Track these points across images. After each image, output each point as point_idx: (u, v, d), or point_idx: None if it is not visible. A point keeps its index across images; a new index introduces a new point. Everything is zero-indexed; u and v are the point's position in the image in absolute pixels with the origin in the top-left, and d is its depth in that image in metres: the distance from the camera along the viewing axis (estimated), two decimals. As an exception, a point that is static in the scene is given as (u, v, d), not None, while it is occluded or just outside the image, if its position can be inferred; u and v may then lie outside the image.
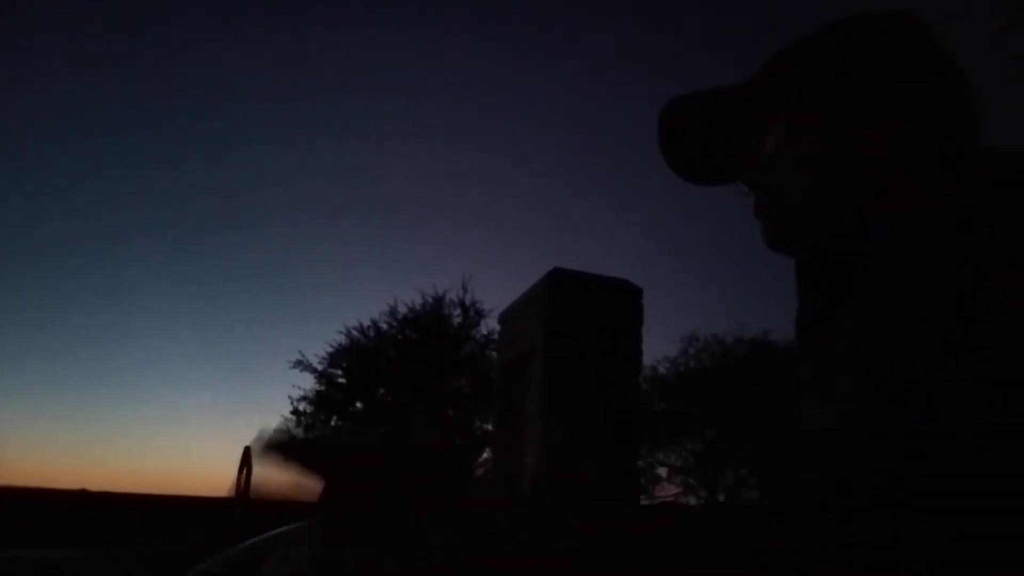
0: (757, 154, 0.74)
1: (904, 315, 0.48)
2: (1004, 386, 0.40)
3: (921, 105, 0.66)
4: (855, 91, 0.68)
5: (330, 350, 16.57)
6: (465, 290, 17.02)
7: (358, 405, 16.65)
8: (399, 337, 16.68)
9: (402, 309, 16.76)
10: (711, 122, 0.79)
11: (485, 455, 16.02)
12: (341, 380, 16.61)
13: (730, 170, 0.79)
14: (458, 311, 16.90)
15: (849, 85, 0.68)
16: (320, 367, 16.50)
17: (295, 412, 16.26)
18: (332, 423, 16.44)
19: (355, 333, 16.63)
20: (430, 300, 16.81)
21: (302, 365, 16.39)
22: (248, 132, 31.06)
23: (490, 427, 14.15)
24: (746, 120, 0.75)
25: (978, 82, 0.69)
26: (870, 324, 0.51)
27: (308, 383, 16.86)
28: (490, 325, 16.20)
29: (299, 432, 16.20)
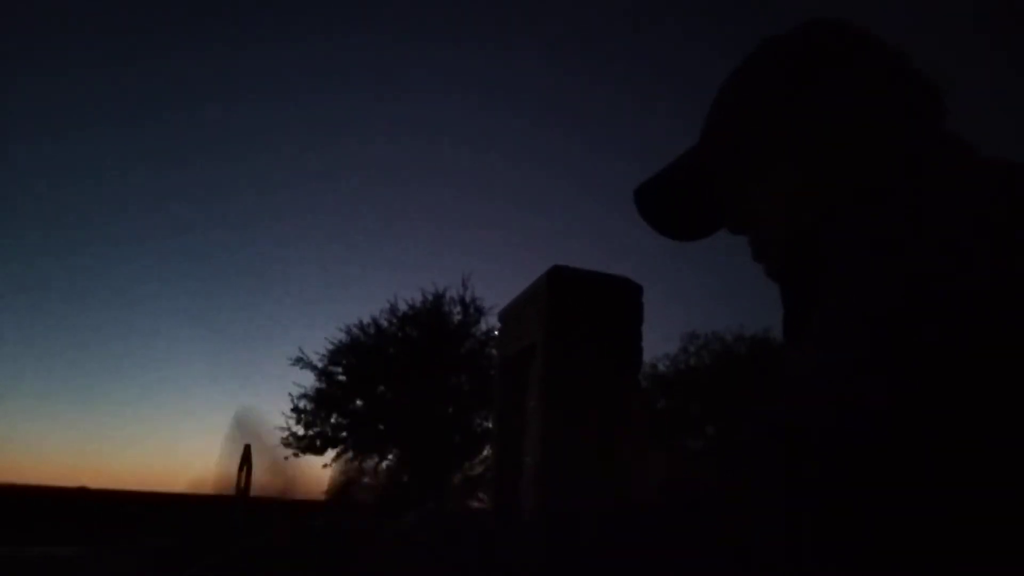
0: (736, 205, 0.75)
1: (843, 316, 0.49)
2: (922, 386, 0.41)
3: (872, 111, 0.65)
4: (803, 118, 0.67)
5: (330, 347, 16.59)
6: (465, 287, 17.02)
7: (358, 403, 16.67)
8: (399, 335, 16.69)
9: (402, 306, 16.79)
10: (683, 193, 0.80)
11: (485, 452, 16.05)
12: (341, 378, 16.62)
13: (718, 221, 0.80)
14: (458, 308, 16.93)
15: (795, 113, 0.68)
16: (320, 364, 16.51)
17: (295, 410, 16.27)
18: (332, 420, 16.46)
19: (355, 330, 16.65)
20: (430, 297, 16.84)
21: (302, 363, 16.40)
22: (248, 131, 31.06)
23: (490, 424, 14.18)
24: (714, 180, 0.76)
25: (931, 67, 0.67)
26: (817, 326, 0.53)
27: (308, 380, 16.88)
28: (490, 322, 16.23)
29: (299, 429, 16.25)
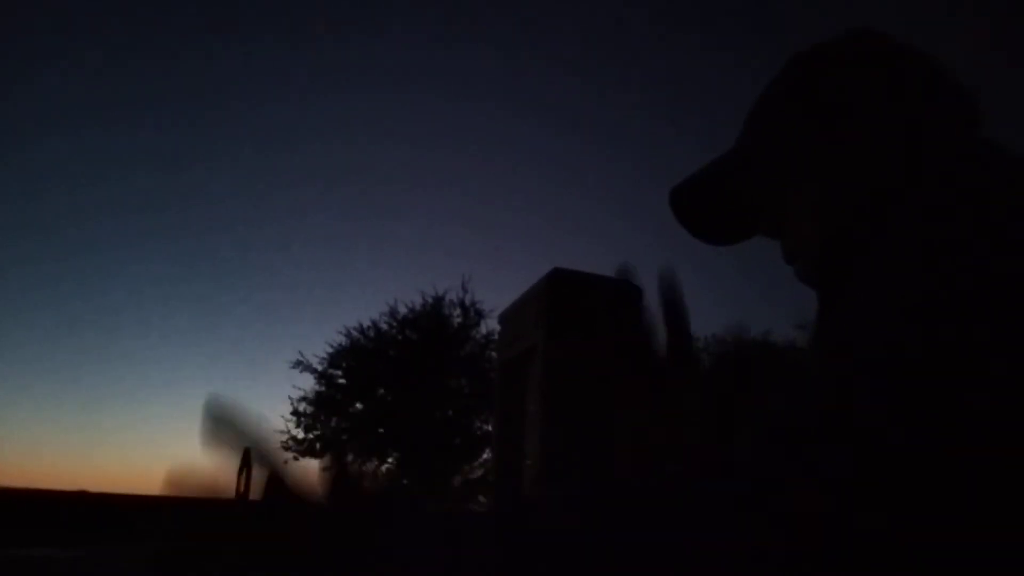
0: (770, 208, 0.75)
1: (862, 317, 0.49)
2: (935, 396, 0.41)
3: (906, 118, 0.65)
4: (838, 125, 0.68)
5: (330, 350, 16.60)
6: (465, 290, 17.03)
7: (358, 406, 16.66)
8: (399, 337, 16.70)
9: (402, 309, 16.80)
10: (718, 196, 0.81)
11: (485, 455, 16.04)
12: (341, 381, 16.63)
13: (752, 226, 0.81)
14: (458, 311, 16.93)
15: (829, 121, 0.69)
16: (320, 368, 16.51)
17: (295, 413, 16.27)
18: (332, 424, 16.46)
19: (355, 333, 16.66)
20: (430, 300, 16.84)
21: (302, 366, 16.41)
22: (247, 132, 31.09)
23: (490, 427, 14.16)
24: (749, 184, 0.77)
25: (966, 75, 0.68)
26: (833, 327, 0.53)
27: (308, 384, 16.90)
28: (490, 325, 16.24)
29: (298, 432, 16.24)
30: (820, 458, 0.42)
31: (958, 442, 0.40)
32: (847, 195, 0.67)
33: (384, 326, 16.75)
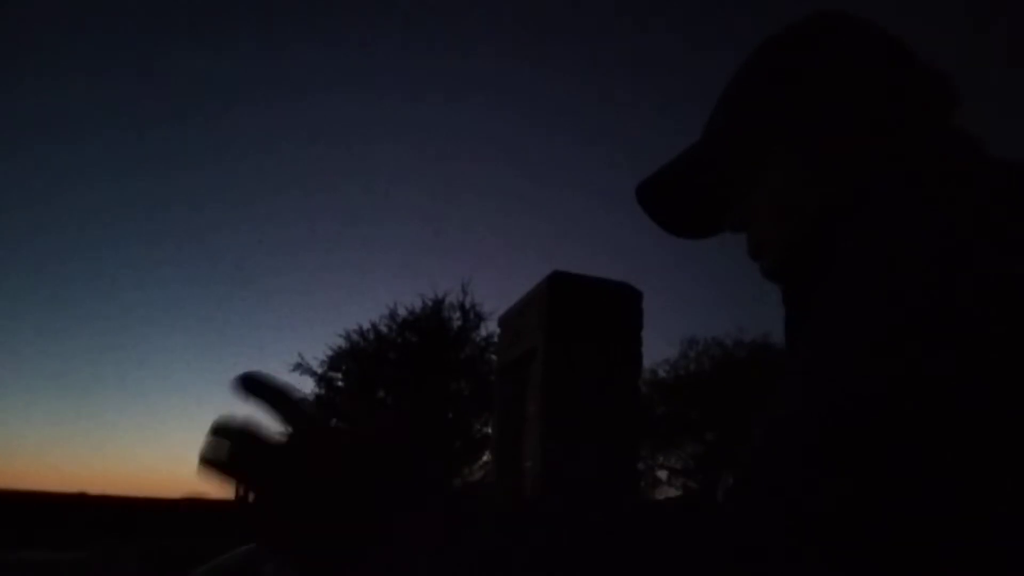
0: (735, 202, 0.73)
1: (836, 322, 0.48)
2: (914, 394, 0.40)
3: (874, 105, 0.64)
4: (803, 113, 0.66)
5: (330, 353, 16.57)
6: (465, 293, 17.01)
7: (358, 408, 16.62)
8: (399, 340, 16.67)
9: (402, 312, 16.77)
10: (686, 190, 0.79)
11: (485, 458, 16.01)
12: (341, 383, 16.60)
13: (721, 219, 0.79)
14: (458, 314, 16.91)
15: (796, 112, 0.67)
16: (320, 370, 16.49)
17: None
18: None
19: (355, 336, 16.63)
20: (430, 303, 16.82)
21: (301, 368, 16.38)
22: (247, 136, 31.11)
23: (490, 430, 14.14)
24: (715, 177, 0.75)
25: (938, 61, 0.66)
26: (808, 332, 0.52)
27: (308, 387, 16.86)
28: (490, 328, 16.22)
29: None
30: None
31: (918, 486, 0.39)
32: (815, 188, 0.65)
33: (384, 329, 16.75)
